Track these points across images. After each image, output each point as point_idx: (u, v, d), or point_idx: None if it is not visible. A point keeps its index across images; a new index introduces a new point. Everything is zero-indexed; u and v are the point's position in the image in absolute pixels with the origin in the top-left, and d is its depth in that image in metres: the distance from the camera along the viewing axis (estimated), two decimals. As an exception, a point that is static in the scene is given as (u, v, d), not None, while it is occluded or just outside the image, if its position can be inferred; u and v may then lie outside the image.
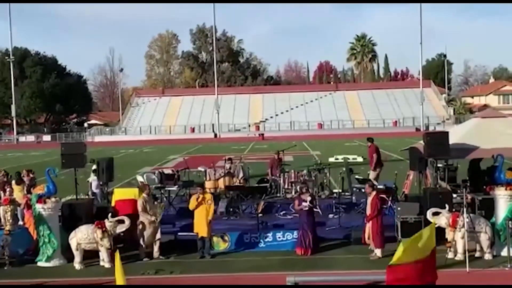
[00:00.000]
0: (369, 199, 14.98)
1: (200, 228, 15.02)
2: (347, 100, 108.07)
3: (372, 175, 21.48)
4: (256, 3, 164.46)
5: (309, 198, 15.15)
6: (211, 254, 15.05)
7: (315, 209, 16.33)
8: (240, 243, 15.56)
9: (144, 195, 15.22)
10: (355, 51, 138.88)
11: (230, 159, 23.10)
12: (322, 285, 11.53)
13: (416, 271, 8.25)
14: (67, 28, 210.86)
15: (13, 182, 20.02)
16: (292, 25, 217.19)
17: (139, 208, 14.99)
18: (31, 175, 21.33)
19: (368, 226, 14.77)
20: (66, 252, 14.87)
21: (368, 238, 14.79)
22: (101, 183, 19.07)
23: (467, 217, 13.87)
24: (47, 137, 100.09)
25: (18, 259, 14.84)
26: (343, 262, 14.24)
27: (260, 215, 17.27)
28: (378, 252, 14.56)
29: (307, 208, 15.11)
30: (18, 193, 18.97)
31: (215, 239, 15.53)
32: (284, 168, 22.47)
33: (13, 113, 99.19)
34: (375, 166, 21.72)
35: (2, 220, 17.24)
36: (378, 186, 19.51)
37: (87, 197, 18.91)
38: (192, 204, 15.23)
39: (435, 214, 14.45)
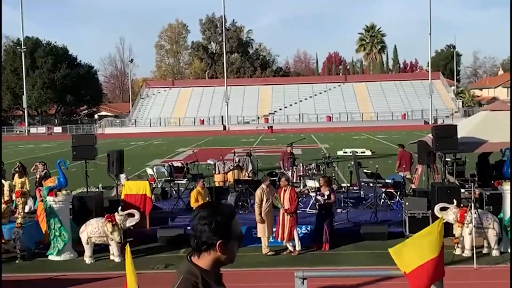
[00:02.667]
0: (287, 194, 14.82)
1: None
2: (356, 92, 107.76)
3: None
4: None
5: (327, 193, 15.20)
6: None
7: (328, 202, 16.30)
8: (249, 237, 15.56)
9: (263, 186, 15.07)
10: (364, 42, 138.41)
11: (248, 152, 23.39)
12: (330, 282, 11.61)
13: (428, 271, 8.27)
14: (78, 18, 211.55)
15: (16, 175, 20.17)
16: (301, 16, 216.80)
17: (256, 199, 14.87)
18: (43, 167, 21.49)
19: (286, 220, 14.73)
20: (77, 245, 15.01)
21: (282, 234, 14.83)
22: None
23: (475, 213, 13.87)
24: (58, 129, 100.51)
25: (29, 252, 14.98)
26: (351, 257, 14.31)
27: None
28: (298, 245, 14.74)
29: (321, 203, 15.20)
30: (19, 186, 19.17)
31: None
32: (294, 161, 22.58)
33: (25, 104, 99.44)
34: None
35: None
36: (387, 180, 19.62)
37: (96, 190, 19.09)
38: (193, 202, 15.20)
39: (443, 209, 14.45)
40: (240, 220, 15.01)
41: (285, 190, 14.88)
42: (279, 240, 14.88)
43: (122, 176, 20.07)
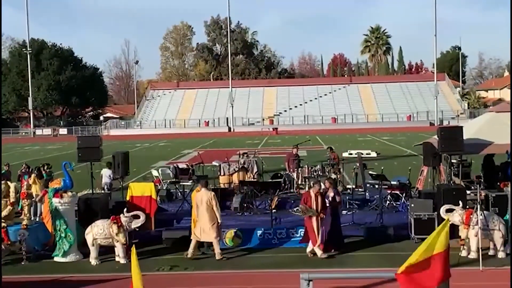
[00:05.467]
0: (319, 199, 14.58)
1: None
2: (361, 94, 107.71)
3: None
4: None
5: (331, 194, 15.14)
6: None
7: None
8: (254, 239, 15.61)
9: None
10: (369, 44, 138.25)
11: (245, 153, 23.24)
12: (336, 283, 11.58)
13: (426, 268, 8.20)
14: (83, 20, 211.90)
15: (33, 176, 20.20)
16: (306, 17, 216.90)
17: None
18: (47, 170, 21.59)
19: (320, 225, 14.49)
20: (82, 247, 15.03)
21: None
22: (112, 177, 19.50)
23: (481, 215, 13.83)
24: (63, 130, 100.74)
25: (34, 254, 14.99)
26: (357, 259, 14.27)
27: (273, 211, 17.36)
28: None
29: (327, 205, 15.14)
30: (39, 188, 19.28)
31: (228, 235, 15.61)
32: (299, 163, 22.54)
33: (30, 106, 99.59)
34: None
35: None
36: (392, 182, 19.57)
37: (102, 191, 19.13)
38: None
39: (449, 211, 14.42)
40: (245, 222, 15.18)
41: (317, 196, 14.64)
42: (316, 246, 14.49)
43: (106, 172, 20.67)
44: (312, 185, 15.26)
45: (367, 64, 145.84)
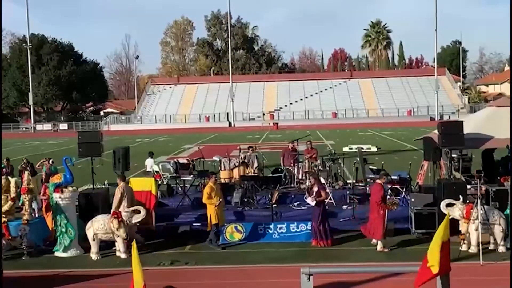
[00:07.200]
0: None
1: (220, 217, 15.16)
2: (361, 88, 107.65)
3: None
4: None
5: (315, 189, 15.12)
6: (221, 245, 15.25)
7: (329, 200, 16.35)
8: (254, 234, 15.65)
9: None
10: (369, 38, 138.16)
11: (251, 147, 23.26)
12: (336, 278, 11.60)
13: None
14: (83, 15, 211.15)
15: (27, 173, 20.20)
16: (306, 12, 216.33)
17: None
18: (49, 164, 21.55)
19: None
20: (83, 242, 15.04)
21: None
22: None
23: (481, 209, 13.83)
24: (63, 126, 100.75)
25: (35, 249, 15.03)
26: (357, 253, 14.30)
27: (274, 205, 17.36)
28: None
29: (312, 204, 15.12)
30: (32, 184, 19.24)
31: (229, 229, 15.63)
32: (298, 158, 22.53)
33: (31, 101, 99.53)
34: None
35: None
36: (392, 177, 19.56)
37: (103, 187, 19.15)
38: (206, 199, 15.17)
39: (449, 205, 14.41)
40: (245, 217, 15.15)
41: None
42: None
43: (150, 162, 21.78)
44: (380, 176, 15.49)
45: (367, 58, 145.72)
